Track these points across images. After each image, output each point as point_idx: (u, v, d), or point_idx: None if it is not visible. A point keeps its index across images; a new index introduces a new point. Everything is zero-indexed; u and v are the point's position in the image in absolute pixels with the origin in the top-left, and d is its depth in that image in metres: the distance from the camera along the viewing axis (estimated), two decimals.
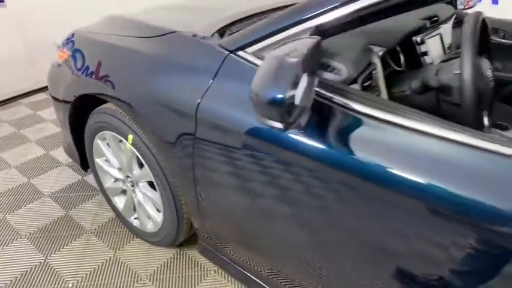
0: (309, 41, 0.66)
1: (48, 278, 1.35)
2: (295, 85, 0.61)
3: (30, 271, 1.37)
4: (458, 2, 1.92)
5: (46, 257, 1.43)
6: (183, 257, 1.43)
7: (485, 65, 0.97)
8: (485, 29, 1.15)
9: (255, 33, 0.87)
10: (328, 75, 0.85)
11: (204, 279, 1.34)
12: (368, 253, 0.79)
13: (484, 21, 1.07)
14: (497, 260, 0.63)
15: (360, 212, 0.75)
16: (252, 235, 1.07)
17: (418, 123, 0.67)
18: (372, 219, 0.74)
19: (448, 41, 1.46)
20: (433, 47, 1.26)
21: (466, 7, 1.94)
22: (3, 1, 2.51)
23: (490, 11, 3.58)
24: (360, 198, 0.74)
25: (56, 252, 1.46)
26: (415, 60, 1.23)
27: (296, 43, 0.67)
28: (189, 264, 1.40)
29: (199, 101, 0.93)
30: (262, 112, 0.62)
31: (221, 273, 1.35)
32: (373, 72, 0.93)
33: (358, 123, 0.73)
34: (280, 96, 0.57)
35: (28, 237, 1.52)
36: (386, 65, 1.07)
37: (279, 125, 0.61)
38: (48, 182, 1.86)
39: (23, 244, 1.49)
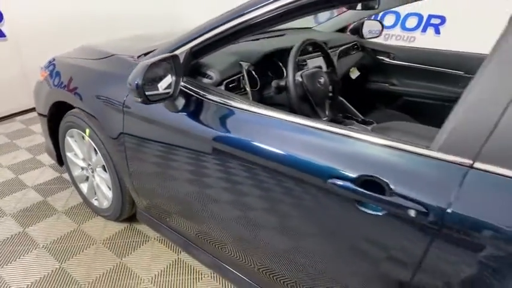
0: (166, 55, 1.11)
1: (64, 282, 1.55)
2: (161, 79, 1.07)
3: (48, 275, 1.59)
4: (364, 34, 2.43)
5: (61, 264, 1.65)
6: (181, 264, 1.66)
7: (317, 74, 1.43)
8: (322, 49, 1.63)
9: (158, 52, 1.33)
10: (204, 80, 1.31)
11: (199, 281, 1.57)
12: (255, 211, 1.14)
13: (316, 43, 1.55)
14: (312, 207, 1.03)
15: (222, 170, 1.14)
16: (173, 204, 1.45)
17: (251, 107, 1.07)
18: (227, 173, 1.14)
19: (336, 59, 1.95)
20: (310, 64, 1.74)
21: (370, 37, 2.45)
22: (5, 35, 3.03)
23: (433, 41, 4.16)
24: (218, 157, 1.14)
25: (70, 259, 1.68)
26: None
27: (158, 56, 1.11)
28: (186, 270, 1.63)
29: (124, 98, 1.38)
30: (132, 93, 1.06)
31: (214, 276, 1.60)
32: (242, 79, 1.39)
33: (216, 108, 1.15)
34: (136, 82, 1.02)
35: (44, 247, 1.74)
36: (264, 74, 1.52)
37: (139, 100, 1.05)
38: (31, 177, 2.29)
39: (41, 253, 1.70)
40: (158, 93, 1.08)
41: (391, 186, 0.80)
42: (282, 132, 1.00)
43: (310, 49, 1.78)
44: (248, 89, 1.40)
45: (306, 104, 1.44)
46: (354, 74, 2.22)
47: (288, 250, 1.09)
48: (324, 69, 1.78)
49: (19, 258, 1.67)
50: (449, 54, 2.14)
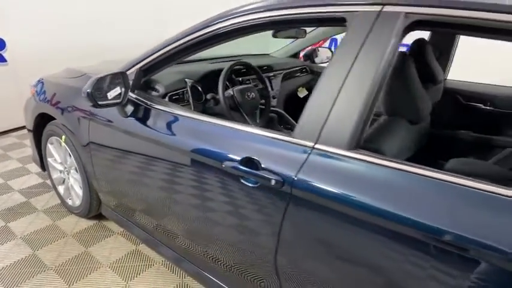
0: (115, 72, 1.43)
1: (35, 265, 1.78)
2: (110, 89, 1.38)
3: (21, 260, 1.82)
4: (315, 59, 2.76)
5: (34, 251, 1.89)
6: (137, 254, 1.90)
7: (247, 89, 1.75)
8: (255, 70, 1.96)
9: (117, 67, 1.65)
10: (153, 92, 1.62)
11: (150, 268, 1.79)
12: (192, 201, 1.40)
13: (250, 65, 1.88)
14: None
15: (171, 166, 1.42)
16: (132, 201, 1.71)
17: (184, 112, 1.37)
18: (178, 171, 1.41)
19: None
20: (253, 82, 2.06)
21: (320, 62, 2.79)
22: (6, 60, 3.41)
23: None
24: (161, 155, 1.42)
25: (42, 248, 1.92)
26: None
27: (106, 72, 1.42)
28: (141, 258, 1.87)
29: (90, 108, 1.68)
30: (86, 99, 1.36)
31: (165, 263, 1.81)
32: (185, 92, 1.71)
33: (159, 114, 1.45)
34: (87, 91, 1.33)
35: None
36: (209, 89, 1.84)
37: (91, 104, 1.35)
38: (18, 182, 2.58)
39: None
40: (108, 100, 1.39)
41: (262, 164, 1.08)
42: (201, 130, 1.29)
43: (244, 70, 2.09)
44: (191, 100, 1.71)
45: (237, 113, 1.75)
46: (302, 93, 2.54)
47: (211, 226, 1.35)
48: (260, 86, 2.10)
49: None
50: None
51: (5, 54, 3.41)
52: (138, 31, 4.57)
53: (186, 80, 1.74)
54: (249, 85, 1.88)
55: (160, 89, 1.63)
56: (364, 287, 0.98)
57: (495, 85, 2.04)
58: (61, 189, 2.27)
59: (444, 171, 0.84)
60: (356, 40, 1.00)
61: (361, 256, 0.95)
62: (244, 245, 1.24)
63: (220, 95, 1.65)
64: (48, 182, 2.61)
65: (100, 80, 1.37)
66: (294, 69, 2.51)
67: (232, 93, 1.73)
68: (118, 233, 2.08)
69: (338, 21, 1.07)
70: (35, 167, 2.79)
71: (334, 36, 3.71)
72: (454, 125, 2.05)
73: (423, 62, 1.70)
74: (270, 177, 1.05)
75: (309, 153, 1.02)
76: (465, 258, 0.78)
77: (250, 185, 1.12)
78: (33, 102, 2.19)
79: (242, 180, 1.13)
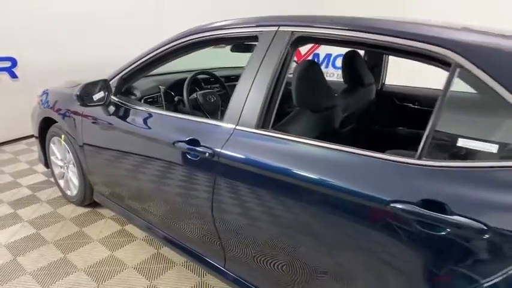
0: (99, 79, 1.84)
1: (37, 241, 2.17)
2: (95, 93, 1.80)
3: (26, 237, 2.20)
4: None
5: (37, 230, 2.31)
6: (125, 233, 2.25)
7: (208, 94, 2.15)
8: (216, 77, 2.36)
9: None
10: (132, 96, 2.03)
11: (132, 242, 2.16)
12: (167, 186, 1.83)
13: (212, 74, 2.29)
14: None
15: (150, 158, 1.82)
16: (116, 186, 2.11)
17: (156, 110, 1.78)
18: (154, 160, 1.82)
19: None
20: (218, 89, 2.46)
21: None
22: (17, 77, 3.89)
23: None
24: (138, 145, 1.83)
25: (44, 229, 2.35)
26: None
27: (92, 80, 1.84)
28: (126, 235, 2.24)
29: (83, 110, 2.10)
30: (76, 100, 1.77)
31: (146, 238, 2.19)
32: (159, 97, 2.12)
33: (136, 113, 1.84)
34: (76, 93, 1.74)
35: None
36: (180, 94, 2.24)
37: (79, 103, 1.76)
38: (26, 180, 3.00)
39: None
40: (93, 102, 1.80)
41: (201, 142, 1.47)
42: (166, 122, 1.69)
43: (212, 79, 2.52)
44: (163, 103, 2.11)
45: (200, 112, 2.14)
46: None
47: (170, 195, 1.73)
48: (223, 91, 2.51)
49: (7, 228, 2.32)
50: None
51: (17, 71, 3.88)
52: (138, 44, 5.04)
53: (159, 86, 2.16)
54: (212, 90, 2.29)
55: (138, 94, 2.05)
56: (271, 227, 1.34)
57: (420, 87, 2.42)
58: (61, 182, 2.67)
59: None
60: (262, 50, 1.40)
61: (267, 204, 1.32)
62: (191, 203, 1.60)
63: (185, 98, 2.06)
64: (52, 179, 3.02)
65: (87, 85, 1.79)
66: None
67: (196, 96, 2.14)
68: (108, 217, 2.47)
69: (254, 38, 1.47)
70: (40, 168, 3.21)
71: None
72: (392, 122, 2.43)
73: (352, 69, 2.09)
74: (205, 151, 1.44)
75: (232, 133, 1.41)
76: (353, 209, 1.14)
77: (193, 158, 1.50)
78: (38, 109, 2.62)
79: (188, 156, 1.52)
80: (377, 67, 2.45)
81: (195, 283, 1.90)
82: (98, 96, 1.83)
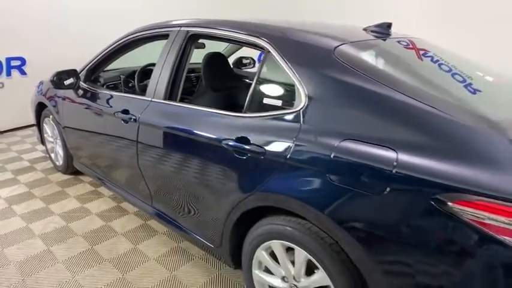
0: (69, 69, 2.45)
1: (28, 197, 2.99)
2: (67, 79, 2.41)
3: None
4: (239, 66, 3.70)
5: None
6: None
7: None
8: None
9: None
10: (97, 83, 2.64)
11: (120, 204, 2.89)
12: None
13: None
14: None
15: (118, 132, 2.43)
16: (90, 155, 2.72)
17: (111, 92, 2.38)
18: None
19: None
20: None
21: (244, 68, 3.72)
22: (26, 74, 4.59)
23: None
24: (100, 120, 2.42)
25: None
26: None
27: (63, 69, 2.45)
28: (104, 199, 2.96)
29: (63, 94, 2.71)
30: (50, 84, 2.38)
31: (137, 213, 2.95)
32: (120, 83, 2.71)
33: (98, 95, 2.44)
34: (50, 79, 2.35)
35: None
36: (141, 81, 2.83)
37: (53, 86, 2.37)
38: (28, 156, 3.66)
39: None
40: (64, 86, 2.41)
41: (130, 112, 2.05)
42: (120, 101, 2.28)
43: None
44: (122, 88, 2.71)
45: None
46: None
47: (118, 155, 2.32)
48: None
49: (8, 187, 2.97)
50: None
51: (26, 69, 4.59)
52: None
53: (120, 75, 2.76)
54: None
55: (102, 80, 2.65)
56: (172, 169, 1.90)
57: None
58: (52, 155, 3.32)
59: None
60: (169, 44, 1.98)
61: (172, 153, 1.88)
62: (125, 158, 2.17)
63: (135, 83, 2.64)
64: (47, 155, 3.68)
65: (59, 73, 2.41)
66: None
67: (146, 83, 2.72)
68: (86, 182, 3.09)
69: (165, 36, 2.04)
70: (40, 148, 3.87)
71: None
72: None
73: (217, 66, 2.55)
74: (132, 117, 2.02)
75: (149, 104, 1.98)
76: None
77: (125, 123, 2.08)
78: (34, 96, 3.28)
79: (122, 121, 2.10)
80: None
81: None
82: (68, 82, 2.44)
